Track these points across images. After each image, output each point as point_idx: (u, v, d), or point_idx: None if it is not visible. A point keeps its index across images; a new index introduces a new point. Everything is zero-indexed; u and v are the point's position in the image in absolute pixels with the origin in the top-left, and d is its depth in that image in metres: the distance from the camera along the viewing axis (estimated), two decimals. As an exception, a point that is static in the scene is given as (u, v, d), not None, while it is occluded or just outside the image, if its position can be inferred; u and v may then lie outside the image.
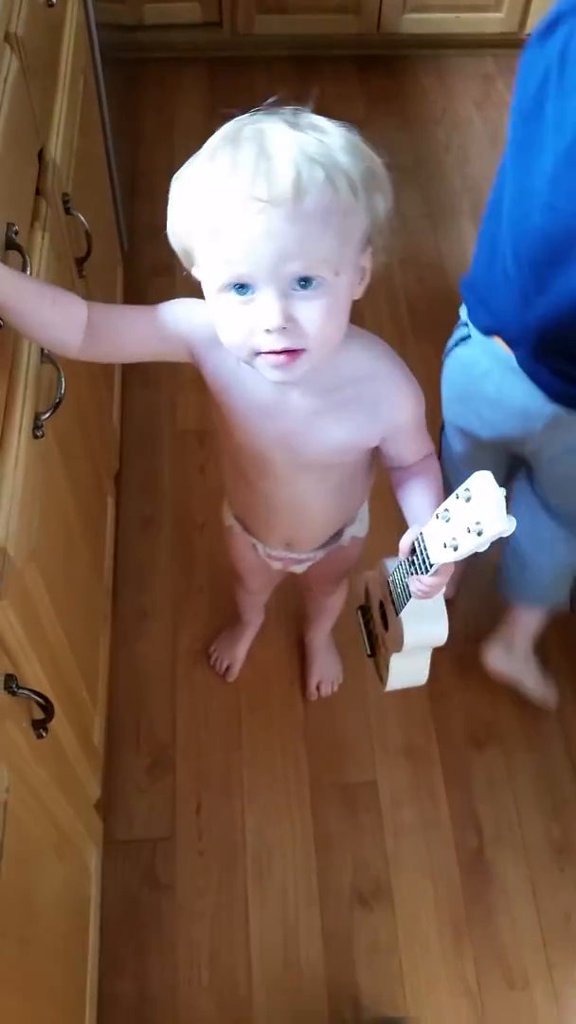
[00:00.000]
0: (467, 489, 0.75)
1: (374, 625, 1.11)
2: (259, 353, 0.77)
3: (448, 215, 2.29)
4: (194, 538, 1.69)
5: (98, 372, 1.39)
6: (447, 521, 0.78)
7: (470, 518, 0.75)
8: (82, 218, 1.22)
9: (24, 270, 0.87)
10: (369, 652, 1.14)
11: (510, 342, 1.12)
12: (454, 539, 0.77)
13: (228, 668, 1.53)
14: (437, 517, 0.79)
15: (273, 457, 0.93)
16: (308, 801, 1.43)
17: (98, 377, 1.39)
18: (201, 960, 1.29)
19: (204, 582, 1.64)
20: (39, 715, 0.88)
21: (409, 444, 0.94)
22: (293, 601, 1.62)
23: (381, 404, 0.88)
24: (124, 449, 1.75)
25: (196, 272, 0.80)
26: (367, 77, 2.59)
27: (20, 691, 0.81)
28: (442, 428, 1.38)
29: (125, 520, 1.69)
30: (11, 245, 0.87)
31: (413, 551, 0.84)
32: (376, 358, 0.88)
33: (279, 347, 0.75)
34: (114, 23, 1.99)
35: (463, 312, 1.21)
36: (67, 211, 1.18)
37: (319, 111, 0.81)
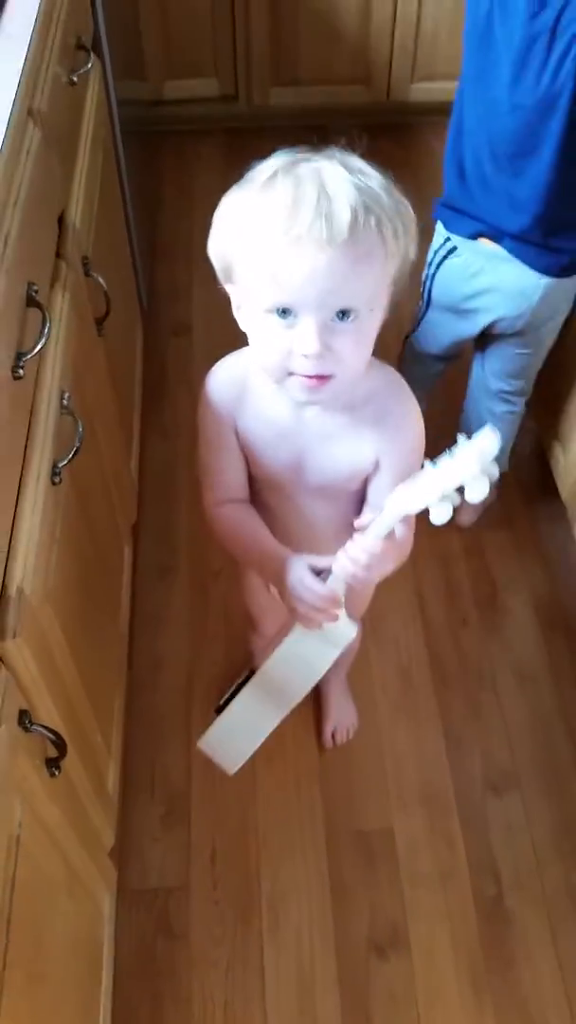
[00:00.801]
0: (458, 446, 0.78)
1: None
2: (291, 374, 0.83)
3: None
4: (210, 587, 1.72)
5: (116, 424, 1.44)
6: (429, 471, 0.79)
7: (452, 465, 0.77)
8: (101, 280, 1.28)
9: (43, 327, 0.92)
10: (220, 705, 1.10)
11: (494, 237, 1.41)
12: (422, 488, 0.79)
13: (242, 714, 1.53)
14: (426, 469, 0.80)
15: (285, 477, 0.98)
16: (324, 849, 1.43)
17: (116, 429, 1.44)
18: (216, 1010, 1.28)
19: (220, 630, 1.66)
20: (52, 753, 0.90)
21: (394, 479, 0.94)
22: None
23: (388, 417, 0.93)
24: (142, 499, 1.79)
25: (230, 288, 0.87)
26: (378, 144, 2.64)
27: (34, 727, 0.84)
28: (407, 337, 1.69)
29: (142, 568, 1.72)
30: (32, 303, 0.92)
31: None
32: (389, 383, 0.94)
33: (313, 372, 0.81)
34: (135, 99, 2.10)
35: (440, 232, 1.50)
36: (87, 273, 1.24)
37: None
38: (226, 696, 1.10)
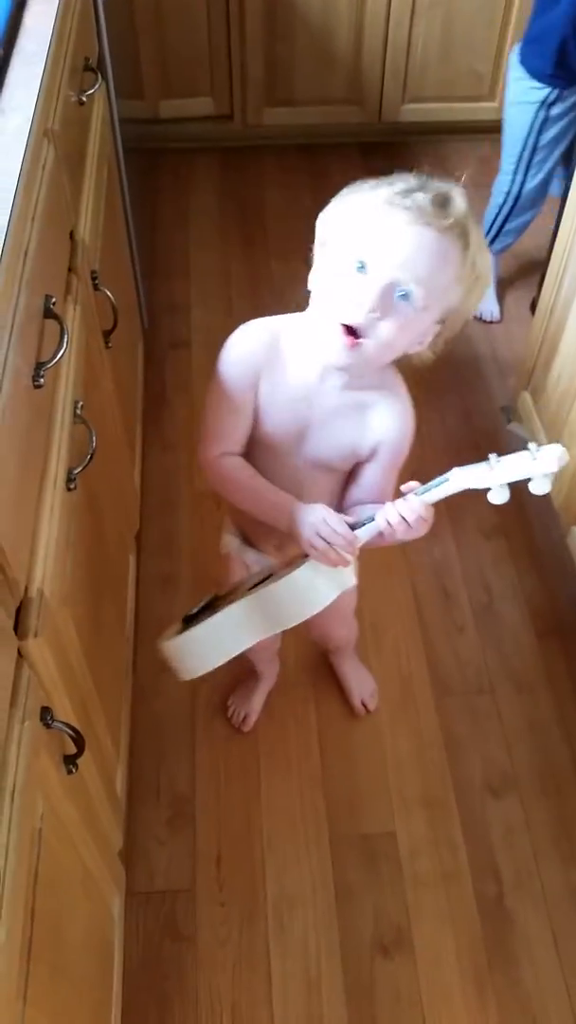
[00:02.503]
0: (536, 445, 0.88)
1: (220, 602, 1.12)
2: (339, 325, 0.90)
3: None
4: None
5: (121, 436, 1.47)
6: (494, 460, 0.89)
7: (528, 457, 0.87)
8: (109, 293, 1.32)
9: (61, 338, 0.95)
10: (191, 613, 1.13)
11: None
12: (492, 468, 0.88)
13: (245, 719, 1.56)
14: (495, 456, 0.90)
15: (280, 446, 1.04)
16: (328, 852, 1.45)
17: (121, 440, 1.47)
18: (223, 1011, 1.30)
19: (222, 638, 1.68)
20: (70, 751, 0.92)
21: (384, 472, 1.05)
22: (307, 653, 1.67)
23: (385, 414, 1.01)
24: (144, 510, 1.82)
25: (319, 252, 0.95)
26: (370, 163, 2.74)
27: (55, 724, 0.86)
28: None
29: (145, 578, 1.74)
30: (49, 315, 0.95)
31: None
32: (396, 385, 1.02)
33: (357, 321, 0.89)
34: (133, 118, 2.14)
35: (536, 90, 2.00)
36: (95, 287, 1.27)
37: (326, 196, 0.97)
38: (196, 608, 1.14)
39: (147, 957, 1.34)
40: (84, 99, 1.27)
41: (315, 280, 0.95)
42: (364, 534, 0.98)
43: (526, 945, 1.37)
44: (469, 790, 1.53)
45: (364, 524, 0.98)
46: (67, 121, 1.16)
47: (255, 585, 1.08)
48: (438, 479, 0.92)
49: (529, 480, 0.88)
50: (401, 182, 0.88)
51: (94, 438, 1.06)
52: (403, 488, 0.96)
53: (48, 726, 0.85)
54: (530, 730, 1.61)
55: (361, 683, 1.60)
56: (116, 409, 1.42)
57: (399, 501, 0.94)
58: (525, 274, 2.45)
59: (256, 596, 1.02)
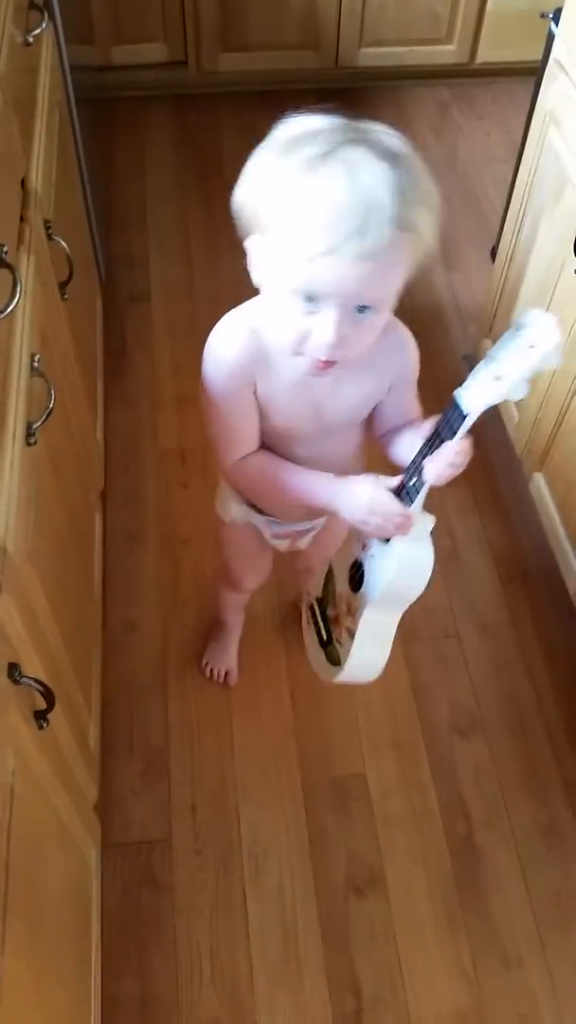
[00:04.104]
0: (518, 324, 0.82)
1: (334, 608, 1.15)
2: (302, 353, 0.87)
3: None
4: (180, 552, 1.74)
5: (81, 392, 1.45)
6: (493, 360, 0.83)
7: (523, 343, 0.81)
8: (63, 243, 1.29)
9: (14, 288, 0.93)
10: (325, 639, 1.17)
11: None
12: (499, 376, 0.83)
13: (227, 674, 1.57)
14: (483, 363, 0.84)
15: (303, 427, 1.02)
16: (301, 797, 1.48)
17: (81, 395, 1.45)
18: (202, 956, 1.32)
19: (191, 595, 1.69)
20: (40, 706, 0.92)
21: (406, 396, 1.04)
22: (275, 603, 1.68)
23: (392, 355, 0.99)
24: (108, 468, 1.80)
25: (250, 242, 0.87)
26: (328, 109, 2.69)
27: (23, 679, 0.86)
28: None
29: (112, 536, 1.74)
30: (2, 264, 0.93)
31: (435, 435, 0.90)
32: (389, 322, 0.96)
33: (324, 358, 0.86)
34: (84, 64, 2.08)
35: None
36: (49, 237, 1.24)
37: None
38: (321, 626, 1.17)
39: (126, 906, 1.36)
40: (31, 39, 1.23)
41: (260, 277, 0.89)
42: (418, 502, 0.95)
43: (495, 880, 1.41)
44: (437, 732, 1.56)
45: (412, 484, 0.94)
46: (14, 65, 1.12)
47: (353, 576, 1.09)
48: (454, 413, 0.87)
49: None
50: (326, 182, 0.78)
51: (52, 392, 1.04)
52: (422, 431, 0.93)
53: (16, 682, 0.85)
54: (495, 672, 1.64)
55: None
56: (75, 364, 1.39)
57: (437, 457, 0.90)
58: (485, 222, 2.44)
59: (379, 598, 1.03)
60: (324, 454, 1.06)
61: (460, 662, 1.65)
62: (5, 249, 0.93)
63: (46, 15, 1.31)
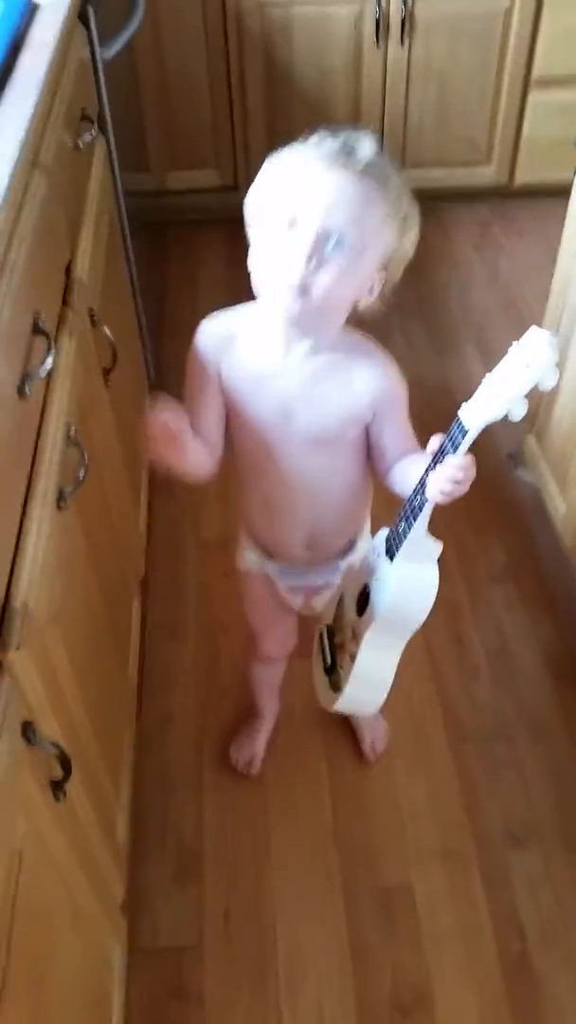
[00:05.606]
0: (518, 343, 0.84)
1: (340, 635, 1.13)
2: (282, 284, 0.92)
3: (452, 344, 2.42)
4: (219, 640, 1.71)
5: (123, 475, 1.46)
6: (493, 377, 0.85)
7: (520, 361, 0.83)
8: (108, 331, 1.33)
9: (48, 351, 0.96)
10: (329, 665, 1.16)
11: None
12: (498, 394, 0.84)
13: (250, 762, 1.51)
14: (485, 380, 0.87)
15: (272, 431, 1.04)
16: (342, 907, 1.37)
17: (124, 480, 1.46)
18: (232, 1080, 1.21)
19: (230, 684, 1.64)
20: (57, 774, 0.88)
21: (398, 425, 1.04)
22: (313, 698, 1.61)
23: (368, 370, 1.02)
24: (150, 557, 1.80)
25: (253, 232, 0.98)
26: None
27: (37, 742, 0.82)
28: None
29: (152, 625, 1.71)
30: (38, 331, 0.95)
31: (439, 453, 0.91)
32: (367, 344, 1.04)
33: (297, 273, 0.90)
34: (140, 190, 2.21)
35: None
36: (93, 324, 1.29)
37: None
38: (328, 654, 1.16)
39: (152, 1017, 1.25)
40: (81, 145, 1.31)
41: (253, 259, 0.97)
42: (422, 520, 0.97)
43: (555, 1005, 1.27)
44: (489, 840, 1.45)
45: (414, 510, 0.96)
46: (61, 162, 1.19)
47: (360, 601, 1.08)
48: (456, 428, 0.89)
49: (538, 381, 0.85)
50: (314, 138, 0.92)
51: (86, 460, 1.05)
52: (429, 448, 0.93)
53: (30, 742, 0.82)
54: (551, 777, 1.53)
55: (372, 725, 1.54)
56: (118, 448, 1.41)
57: (439, 470, 0.91)
58: (526, 327, 2.47)
59: (383, 616, 1.03)
60: (303, 478, 1.07)
61: (512, 765, 1.55)
62: (42, 318, 0.96)
63: (96, 126, 1.40)
